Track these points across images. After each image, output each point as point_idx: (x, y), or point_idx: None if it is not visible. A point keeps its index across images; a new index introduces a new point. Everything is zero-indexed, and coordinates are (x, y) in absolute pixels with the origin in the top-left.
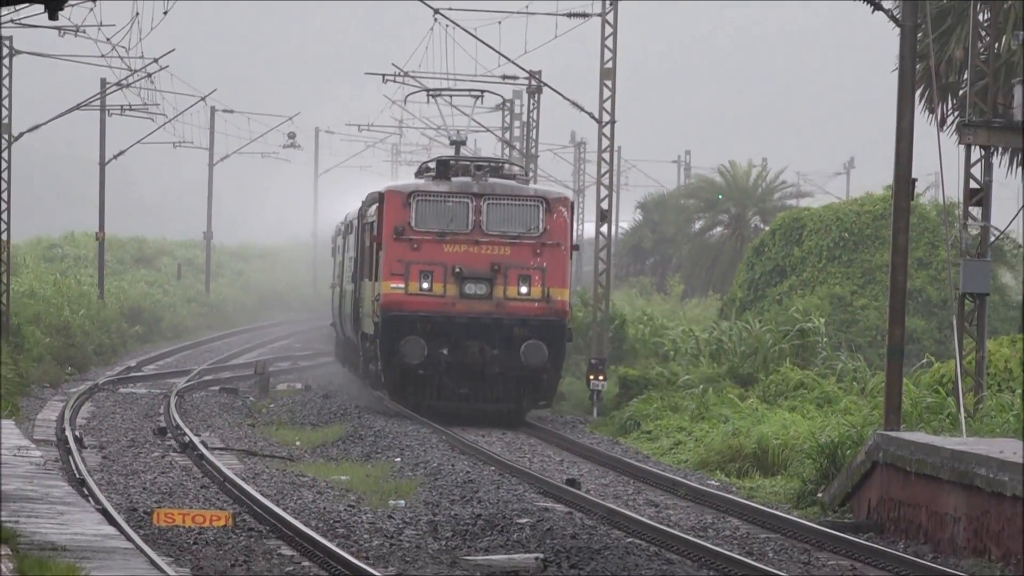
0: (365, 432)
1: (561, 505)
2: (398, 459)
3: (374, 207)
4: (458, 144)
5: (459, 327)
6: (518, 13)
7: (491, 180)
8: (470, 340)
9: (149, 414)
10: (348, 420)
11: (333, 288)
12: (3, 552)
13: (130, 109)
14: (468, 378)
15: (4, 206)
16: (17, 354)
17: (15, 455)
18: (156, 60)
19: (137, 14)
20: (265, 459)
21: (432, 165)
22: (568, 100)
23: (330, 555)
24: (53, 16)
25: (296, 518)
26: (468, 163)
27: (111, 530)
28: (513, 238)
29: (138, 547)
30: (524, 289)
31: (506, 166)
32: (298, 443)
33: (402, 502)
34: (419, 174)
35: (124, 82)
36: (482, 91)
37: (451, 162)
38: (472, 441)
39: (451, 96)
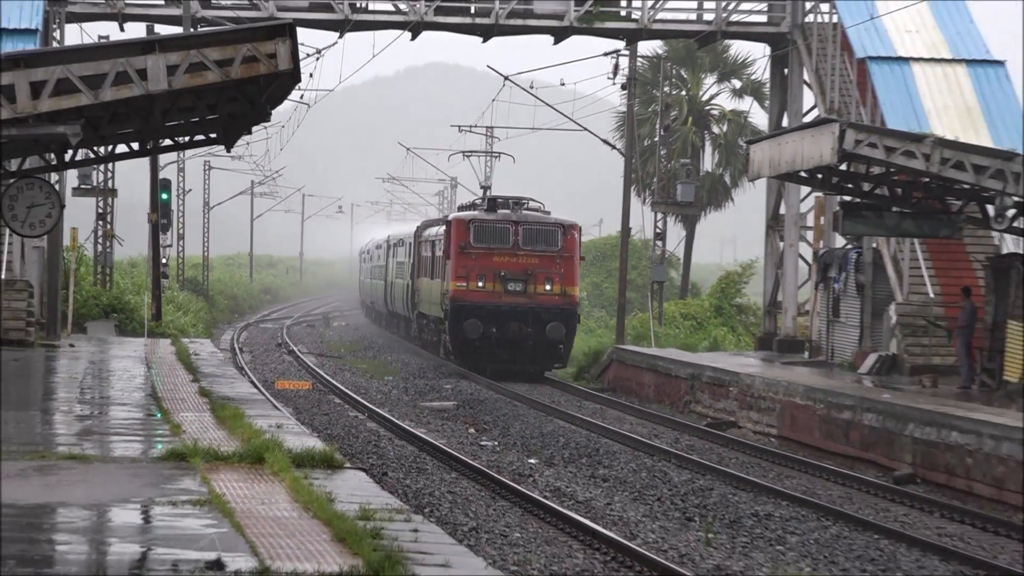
0: (373, 345)
1: (466, 381)
2: (389, 358)
3: (433, 230)
4: (486, 188)
5: (504, 313)
6: (451, 150)
7: (524, 212)
8: (511, 322)
9: (273, 336)
10: (366, 340)
11: (373, 281)
12: (204, 400)
13: (264, 195)
14: (510, 348)
15: (206, 240)
16: (213, 308)
17: (210, 354)
18: (277, 171)
19: (267, 150)
20: (328, 358)
21: (478, 201)
22: (470, 192)
23: (357, 402)
24: (228, 149)
25: (342, 384)
26: (506, 199)
27: (255, 391)
28: (540, 252)
29: (268, 399)
30: (548, 287)
31: (531, 202)
32: (343, 350)
33: (391, 378)
34: (464, 208)
35: (262, 182)
36: (500, 153)
37: (497, 199)
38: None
39: (478, 156)
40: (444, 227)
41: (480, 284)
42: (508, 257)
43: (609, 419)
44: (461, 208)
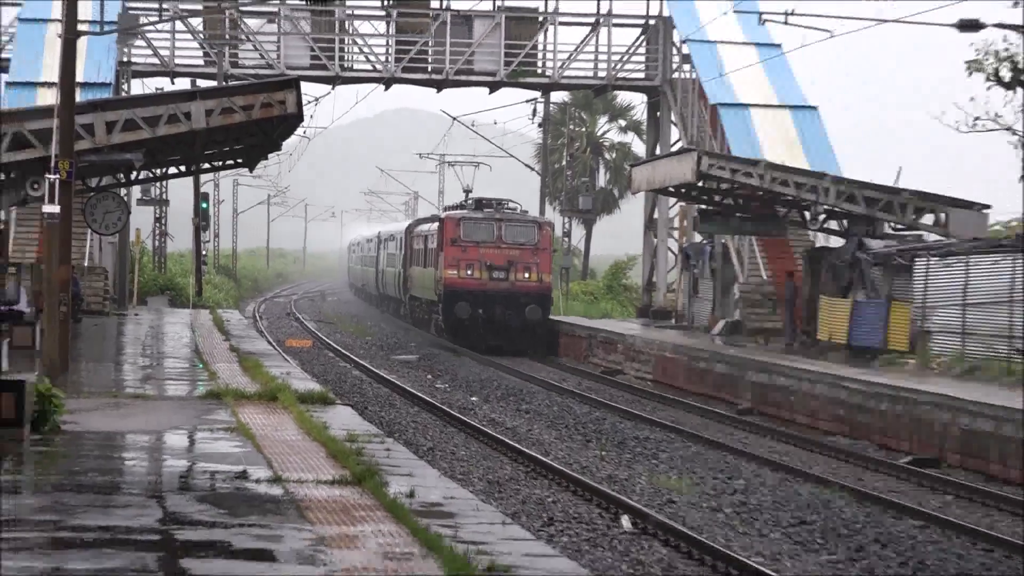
0: (357, 314)
1: (427, 343)
2: (369, 323)
3: (424, 227)
4: (467, 191)
5: (489, 298)
6: (416, 172)
7: (505, 211)
8: (496, 305)
9: (284, 307)
10: (352, 311)
11: (364, 268)
12: (234, 354)
13: (277, 203)
14: (494, 328)
15: (235, 237)
16: (239, 288)
17: (238, 320)
18: (286, 187)
19: (279, 171)
20: (324, 323)
21: (467, 202)
22: (430, 203)
23: (345, 356)
24: (251, 170)
25: (334, 343)
26: (490, 200)
27: (271, 348)
28: (520, 245)
29: (281, 354)
30: (527, 275)
31: (510, 203)
32: (335, 319)
33: (369, 337)
34: (452, 208)
35: (275, 194)
36: (478, 163)
37: (482, 200)
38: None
39: (461, 165)
40: (436, 224)
41: (469, 272)
42: (493, 249)
43: (530, 368)
44: (448, 208)
